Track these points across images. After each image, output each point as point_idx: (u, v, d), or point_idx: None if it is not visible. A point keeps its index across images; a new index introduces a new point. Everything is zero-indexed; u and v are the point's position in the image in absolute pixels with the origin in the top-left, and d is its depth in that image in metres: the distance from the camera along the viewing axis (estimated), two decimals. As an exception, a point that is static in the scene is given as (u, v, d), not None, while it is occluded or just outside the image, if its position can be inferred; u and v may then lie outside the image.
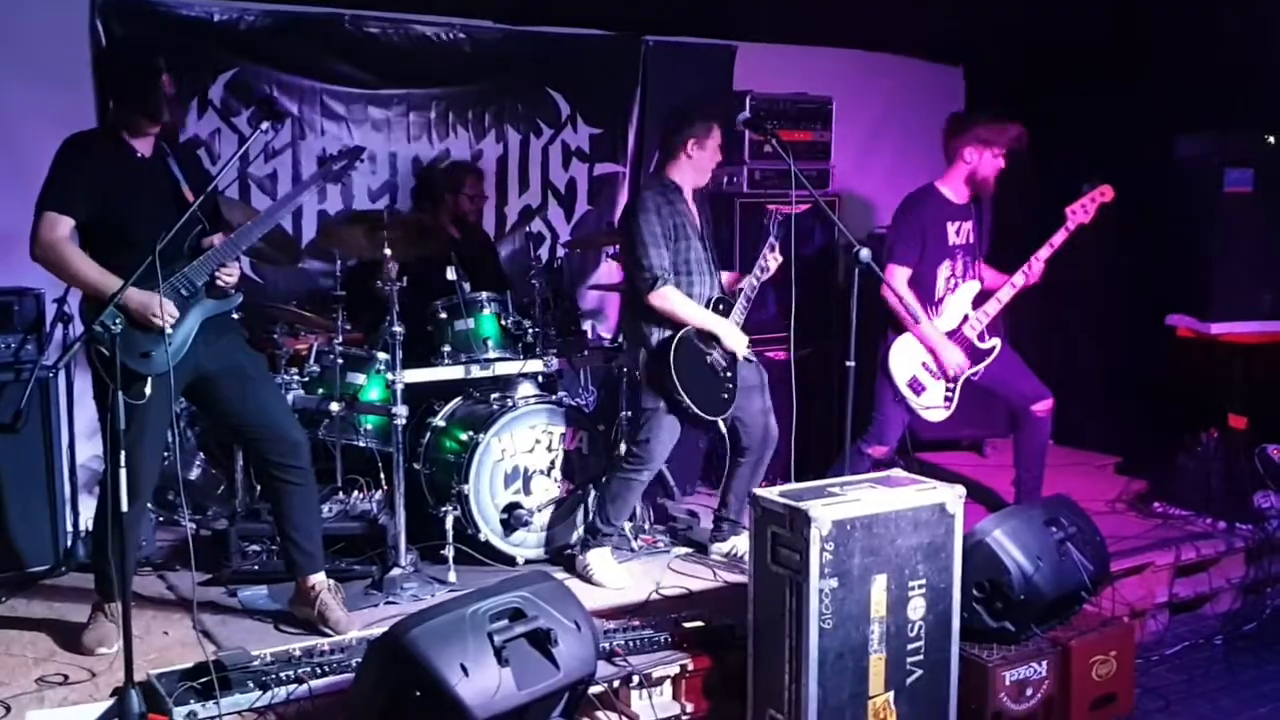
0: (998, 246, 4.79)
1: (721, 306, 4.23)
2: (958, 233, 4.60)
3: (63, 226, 3.31)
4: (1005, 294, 4.56)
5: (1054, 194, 4.80)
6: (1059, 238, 4.48)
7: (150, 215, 3.29)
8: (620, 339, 4.95)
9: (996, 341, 4.62)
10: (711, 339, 4.16)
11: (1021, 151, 4.51)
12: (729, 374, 4.21)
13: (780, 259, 4.25)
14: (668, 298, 4.09)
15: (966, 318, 4.60)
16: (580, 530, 4.40)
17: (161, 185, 3.44)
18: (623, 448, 4.43)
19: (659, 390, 4.13)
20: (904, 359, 4.56)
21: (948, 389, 4.59)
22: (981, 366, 4.61)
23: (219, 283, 3.45)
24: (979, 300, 4.62)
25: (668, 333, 4.12)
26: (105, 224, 3.36)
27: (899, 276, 4.51)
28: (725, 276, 4.42)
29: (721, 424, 4.30)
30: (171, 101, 3.40)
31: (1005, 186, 4.63)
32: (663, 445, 4.22)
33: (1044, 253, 4.50)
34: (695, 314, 4.13)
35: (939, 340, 4.53)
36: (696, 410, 4.10)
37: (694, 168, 4.23)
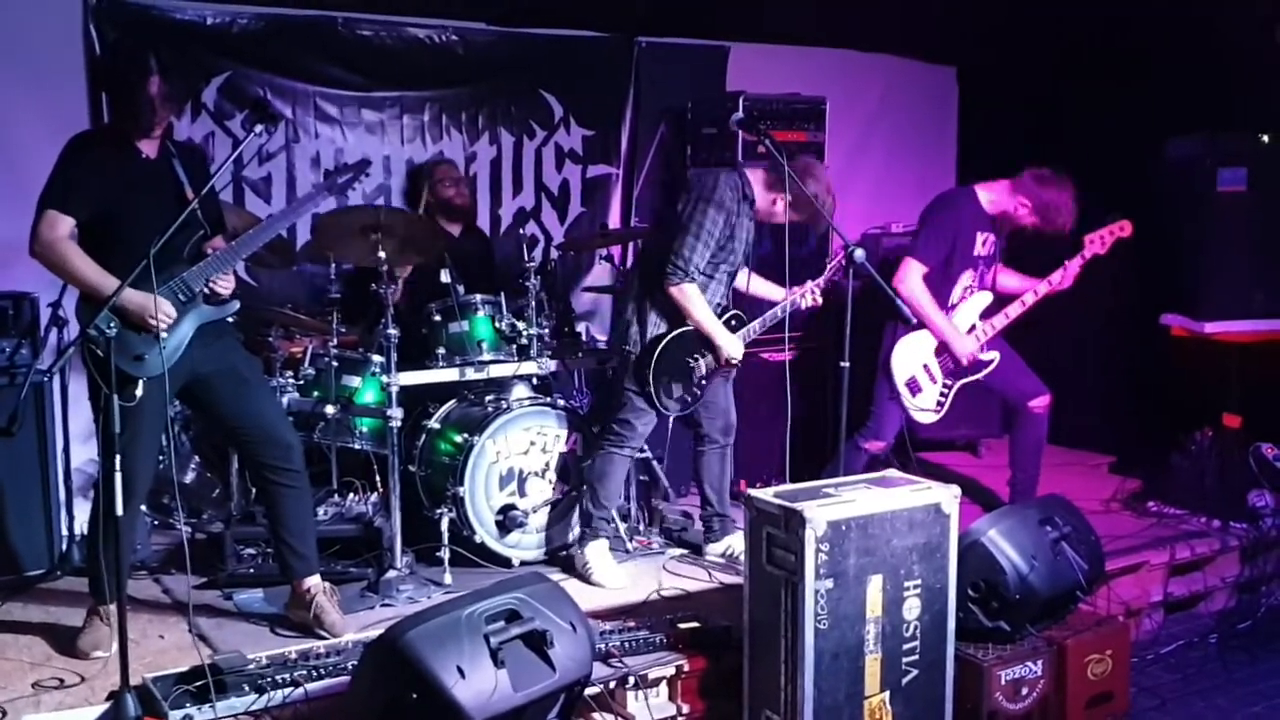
0: (1007, 256, 4.81)
1: (734, 322, 4.24)
2: (984, 244, 4.62)
3: (63, 225, 3.30)
4: (1014, 309, 4.60)
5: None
6: (1074, 264, 4.52)
7: (151, 217, 3.28)
8: (616, 323, 4.94)
9: (996, 355, 4.65)
10: (706, 345, 4.16)
11: (1051, 231, 4.49)
12: (703, 382, 4.23)
13: (819, 302, 4.27)
14: (688, 295, 4.09)
15: (974, 327, 4.62)
16: (576, 530, 4.40)
17: (164, 187, 3.43)
18: (602, 425, 4.42)
19: (636, 372, 4.15)
20: (907, 358, 4.59)
21: (941, 394, 4.61)
22: (979, 376, 4.63)
23: (213, 293, 3.45)
24: (987, 312, 4.64)
25: (668, 325, 4.14)
26: (105, 224, 3.35)
27: (914, 271, 4.52)
28: (768, 287, 4.39)
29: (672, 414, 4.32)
30: (163, 102, 3.38)
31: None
32: (642, 425, 4.24)
33: (1056, 276, 4.55)
34: (704, 319, 4.12)
35: (950, 331, 4.54)
36: (654, 396, 4.13)
37: (767, 205, 4.18)
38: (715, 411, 4.39)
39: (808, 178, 4.07)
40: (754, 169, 4.27)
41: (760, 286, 4.42)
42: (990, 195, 4.60)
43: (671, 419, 4.44)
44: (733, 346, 4.17)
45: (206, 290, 3.45)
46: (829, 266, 4.26)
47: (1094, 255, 4.53)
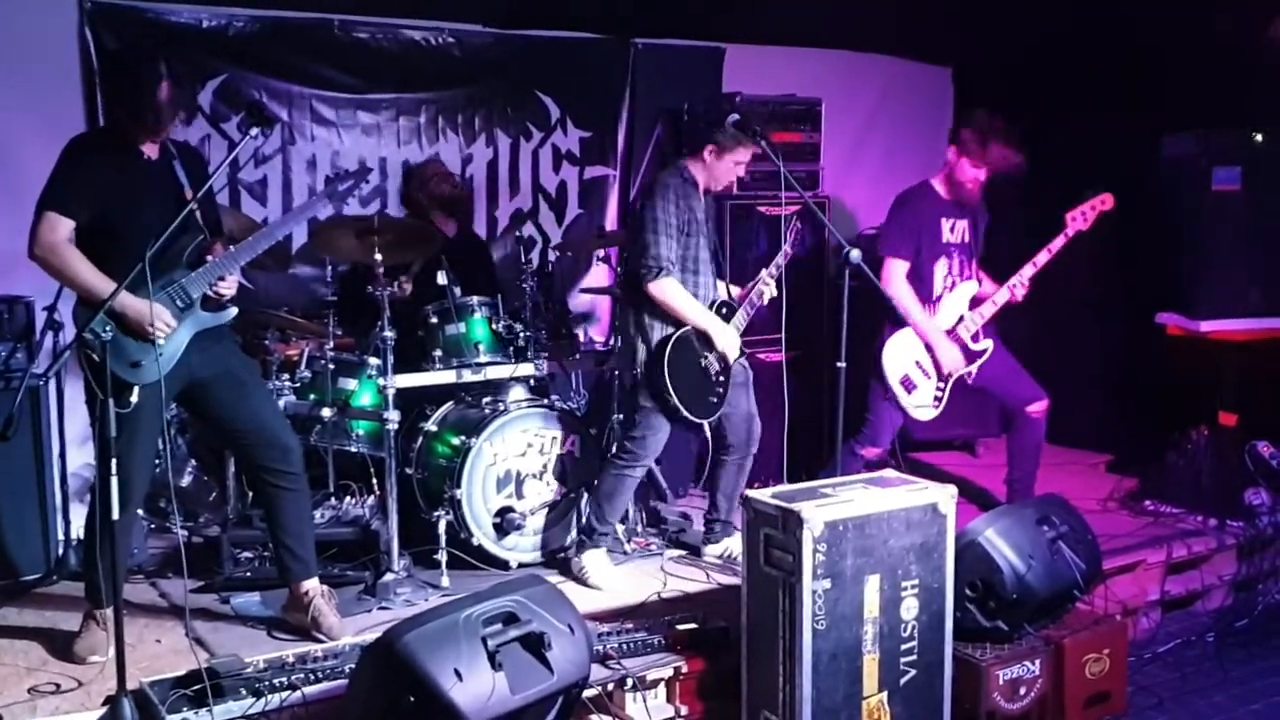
0: (991, 246, 4.80)
1: (725, 310, 4.24)
2: (952, 230, 4.61)
3: (63, 228, 3.29)
4: (1001, 296, 4.59)
5: (1044, 194, 4.82)
6: (1057, 243, 4.50)
7: (151, 219, 3.27)
8: (615, 338, 4.95)
9: (989, 343, 4.64)
10: (709, 341, 4.16)
11: (1008, 174, 4.49)
12: (721, 378, 4.20)
13: (774, 291, 4.25)
14: (666, 289, 4.07)
15: (962, 318, 4.62)
16: (574, 533, 4.40)
17: (164, 189, 3.42)
18: (616, 444, 4.42)
19: (651, 387, 4.13)
20: (898, 355, 4.57)
21: (938, 389, 4.60)
22: (974, 367, 4.62)
23: (217, 294, 3.44)
24: (975, 302, 4.63)
25: (668, 330, 4.12)
26: (105, 227, 3.33)
27: (897, 270, 4.52)
28: (732, 289, 4.40)
29: (707, 425, 4.31)
30: (172, 107, 3.38)
31: (997, 190, 4.65)
32: (656, 442, 4.23)
33: (1042, 257, 4.53)
34: (693, 311, 4.12)
35: (937, 337, 4.54)
36: (684, 411, 4.10)
37: (707, 171, 4.19)
38: (737, 420, 4.36)
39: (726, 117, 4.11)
40: (687, 157, 4.25)
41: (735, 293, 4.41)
42: (939, 178, 4.62)
43: (704, 423, 4.37)
44: (726, 336, 4.15)
45: (211, 294, 3.44)
46: (789, 232, 4.25)
47: (1077, 232, 4.50)
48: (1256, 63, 5.23)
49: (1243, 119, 5.17)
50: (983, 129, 4.44)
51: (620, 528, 4.53)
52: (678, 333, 4.12)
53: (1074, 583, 3.69)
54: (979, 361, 4.63)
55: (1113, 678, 3.74)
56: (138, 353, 3.31)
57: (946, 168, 4.58)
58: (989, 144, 4.43)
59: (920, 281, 4.57)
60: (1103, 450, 6.01)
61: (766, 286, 4.23)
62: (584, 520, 4.33)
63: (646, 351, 4.15)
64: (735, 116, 4.14)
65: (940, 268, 4.61)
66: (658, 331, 4.13)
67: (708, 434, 4.45)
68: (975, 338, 4.62)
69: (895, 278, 4.51)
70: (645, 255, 4.06)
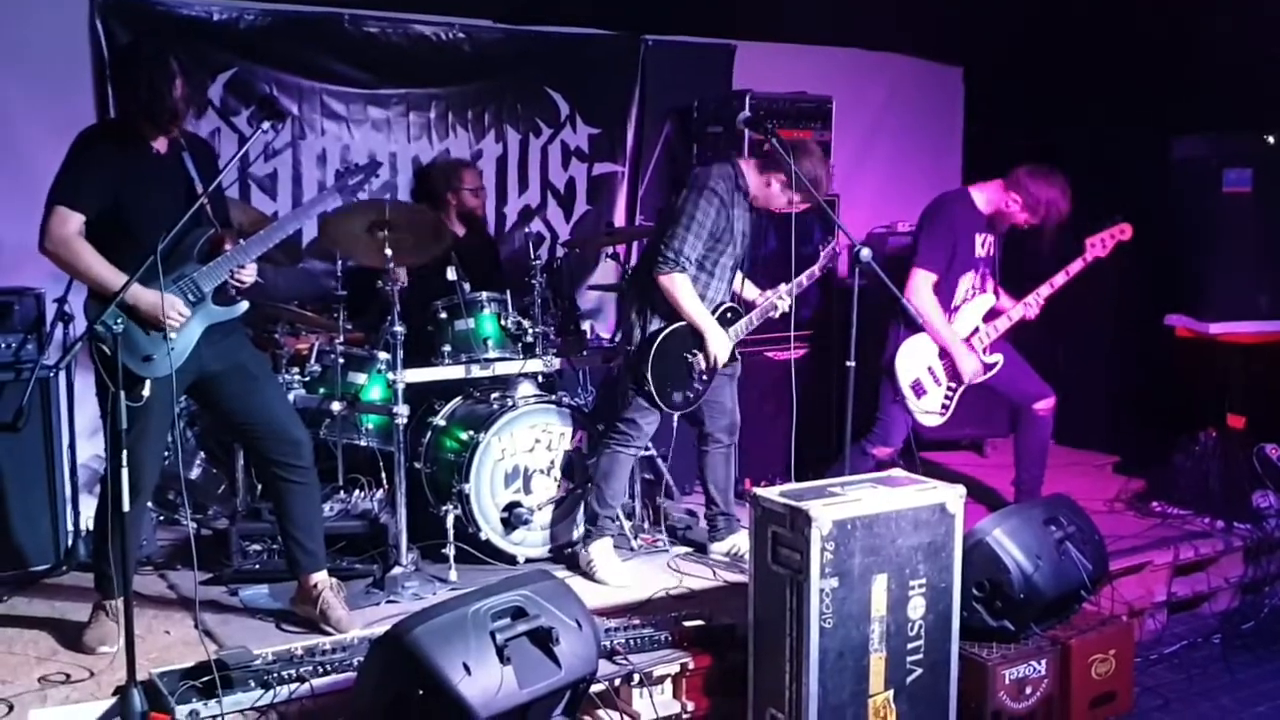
0: (1003, 253, 4.79)
1: (730, 314, 4.24)
2: (982, 244, 4.61)
3: (73, 222, 3.29)
4: (1016, 313, 4.59)
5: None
6: (1075, 267, 4.51)
7: (162, 213, 3.27)
8: (621, 323, 4.95)
9: (1000, 357, 4.63)
10: (701, 340, 4.16)
11: (1050, 227, 4.47)
12: (703, 377, 4.21)
13: (788, 309, 4.23)
14: (676, 284, 4.08)
15: (977, 330, 4.61)
16: (581, 528, 4.40)
17: (175, 183, 3.42)
18: (606, 423, 4.41)
19: (633, 370, 4.15)
20: (911, 359, 4.57)
21: (946, 396, 4.60)
22: (984, 378, 4.62)
23: (233, 285, 3.45)
24: (991, 315, 4.62)
25: (665, 321, 4.13)
26: (115, 220, 3.34)
27: (924, 283, 4.49)
28: (754, 290, 4.39)
29: (675, 416, 4.32)
30: (185, 106, 3.39)
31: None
32: (645, 424, 4.23)
33: (1059, 279, 4.53)
34: (693, 309, 4.12)
35: (957, 346, 4.53)
36: (653, 393, 4.12)
37: (762, 189, 4.16)
38: (719, 410, 4.39)
39: (802, 157, 4.03)
40: (748, 159, 4.27)
41: (748, 291, 4.41)
42: (984, 195, 4.59)
43: (676, 417, 4.43)
44: (719, 343, 4.15)
45: (231, 282, 3.45)
46: (825, 256, 4.25)
47: (1095, 258, 4.52)
48: (1269, 65, 5.22)
49: (1254, 121, 5.16)
50: (1048, 188, 4.41)
51: (627, 524, 4.54)
52: (673, 325, 4.13)
53: (1081, 583, 3.70)
54: (989, 374, 4.62)
55: (1118, 678, 3.75)
56: (149, 346, 3.32)
57: (999, 201, 4.52)
58: (1039, 208, 4.43)
59: (943, 291, 4.54)
60: (1110, 451, 6.00)
61: (781, 301, 4.23)
62: (588, 509, 4.33)
63: (640, 335, 4.17)
64: (746, 114, 4.13)
65: (965, 280, 4.58)
66: (656, 320, 4.15)
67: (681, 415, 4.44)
68: (987, 350, 4.61)
69: (922, 289, 4.47)
70: (668, 246, 4.07)
